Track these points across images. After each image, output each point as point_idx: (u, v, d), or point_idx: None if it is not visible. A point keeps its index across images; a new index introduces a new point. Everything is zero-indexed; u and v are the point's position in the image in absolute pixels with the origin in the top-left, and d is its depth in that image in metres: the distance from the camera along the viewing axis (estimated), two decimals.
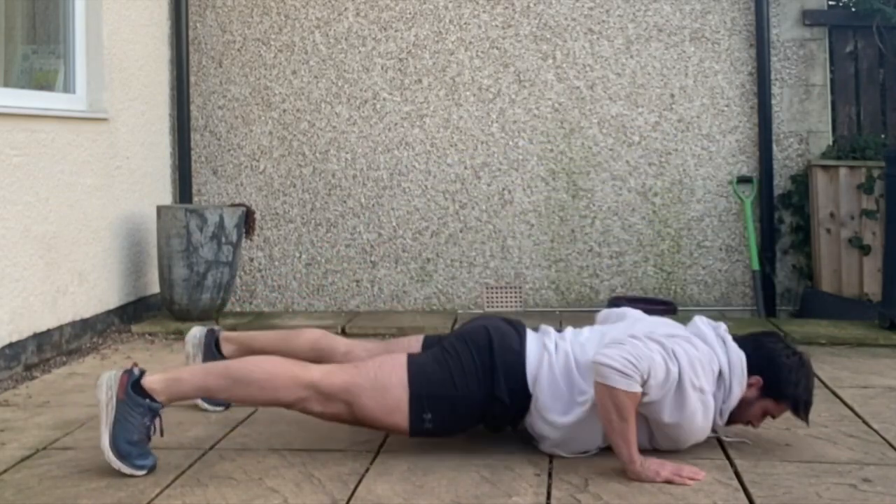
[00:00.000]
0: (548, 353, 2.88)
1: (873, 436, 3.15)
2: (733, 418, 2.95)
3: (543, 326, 3.07)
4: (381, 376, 2.85)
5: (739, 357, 2.88)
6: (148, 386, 2.79)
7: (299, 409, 2.89)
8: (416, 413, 2.83)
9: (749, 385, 2.89)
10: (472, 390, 2.85)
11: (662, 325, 2.97)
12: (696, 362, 2.77)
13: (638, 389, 2.65)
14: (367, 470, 2.81)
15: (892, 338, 4.70)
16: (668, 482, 2.68)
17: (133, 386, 2.77)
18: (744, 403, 2.91)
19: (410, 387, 2.83)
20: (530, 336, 2.98)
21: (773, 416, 2.98)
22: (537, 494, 2.61)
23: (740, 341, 2.96)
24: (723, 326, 2.98)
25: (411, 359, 2.91)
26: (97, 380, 2.83)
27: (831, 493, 2.61)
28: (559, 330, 3.06)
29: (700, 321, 3.00)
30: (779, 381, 2.90)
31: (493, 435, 3.14)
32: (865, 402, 3.60)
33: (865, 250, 5.41)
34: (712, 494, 2.61)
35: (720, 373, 2.85)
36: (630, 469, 2.73)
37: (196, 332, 3.42)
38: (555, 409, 2.84)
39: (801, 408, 2.93)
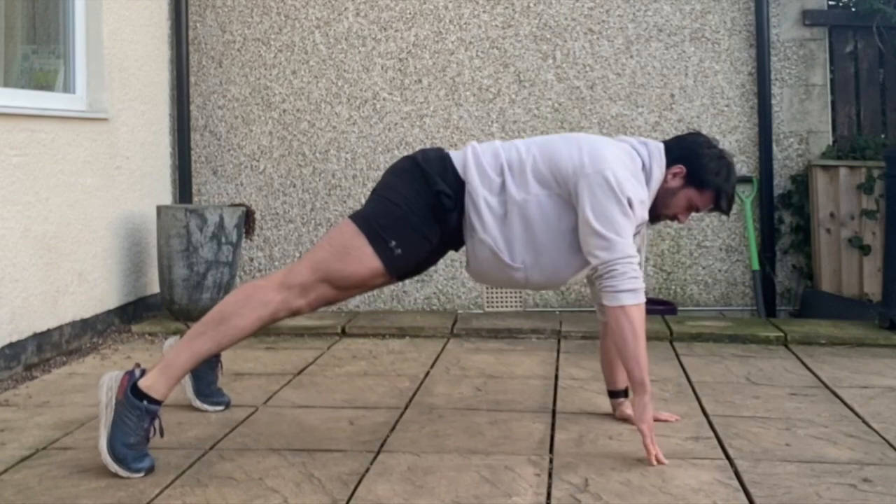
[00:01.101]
0: (471, 147, 3.05)
1: (873, 436, 3.15)
2: (659, 211, 3.08)
3: None
4: (335, 241, 2.98)
5: (657, 146, 3.07)
6: (145, 385, 2.79)
7: (286, 314, 2.93)
8: (381, 246, 2.93)
9: (673, 175, 3.04)
10: (413, 199, 2.97)
11: (599, 147, 2.99)
12: (634, 181, 2.93)
13: (643, 298, 2.87)
14: (367, 470, 2.81)
15: (892, 338, 4.70)
16: (643, 436, 2.84)
17: (133, 388, 2.77)
18: (667, 193, 3.05)
19: (363, 229, 2.95)
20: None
21: (698, 210, 3.11)
22: (537, 494, 2.61)
23: (665, 141, 3.14)
24: (643, 139, 3.14)
25: (352, 214, 3.06)
26: (99, 380, 2.84)
27: (831, 493, 2.61)
28: None
29: (621, 136, 3.17)
30: (700, 168, 3.03)
31: (493, 434, 3.14)
32: (865, 402, 3.60)
33: (865, 250, 5.41)
34: (712, 494, 2.61)
35: (642, 164, 3.01)
36: (639, 395, 2.86)
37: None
38: (484, 189, 2.96)
39: (723, 197, 3.06)
